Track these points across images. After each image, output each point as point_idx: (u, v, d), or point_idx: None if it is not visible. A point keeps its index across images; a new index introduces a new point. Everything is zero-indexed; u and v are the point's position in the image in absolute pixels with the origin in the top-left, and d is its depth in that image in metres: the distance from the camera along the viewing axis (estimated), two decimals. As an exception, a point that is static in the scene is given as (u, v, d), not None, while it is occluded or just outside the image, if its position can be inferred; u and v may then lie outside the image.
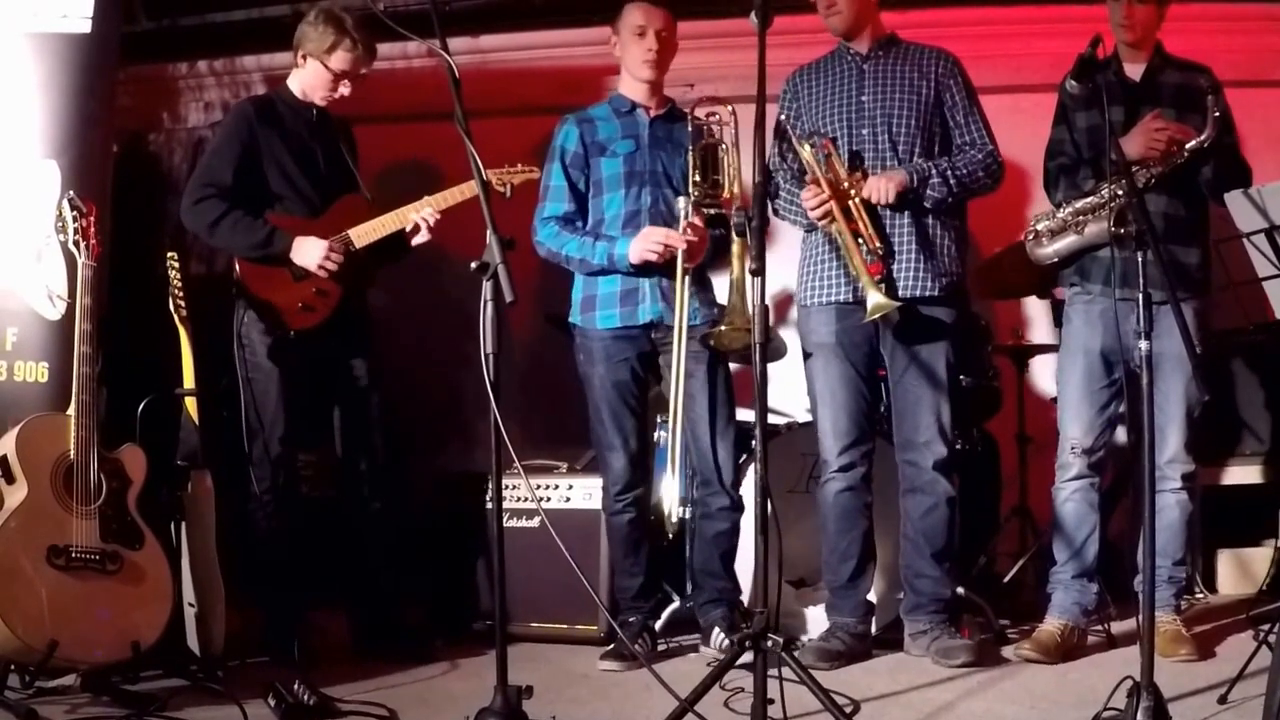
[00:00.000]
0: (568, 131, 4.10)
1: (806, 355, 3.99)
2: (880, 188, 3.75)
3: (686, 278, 3.85)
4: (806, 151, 3.82)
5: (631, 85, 4.10)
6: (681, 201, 3.88)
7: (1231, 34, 5.06)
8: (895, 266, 3.82)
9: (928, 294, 3.84)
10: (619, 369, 4.01)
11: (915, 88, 3.89)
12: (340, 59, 4.04)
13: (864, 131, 3.88)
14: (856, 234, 3.75)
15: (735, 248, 3.76)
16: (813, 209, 3.79)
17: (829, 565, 3.96)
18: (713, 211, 3.88)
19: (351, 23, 4.04)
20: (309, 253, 3.96)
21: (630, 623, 4.02)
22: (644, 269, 3.92)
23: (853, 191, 3.77)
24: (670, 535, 3.99)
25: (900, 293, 3.80)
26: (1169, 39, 3.91)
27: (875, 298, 3.68)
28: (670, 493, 3.92)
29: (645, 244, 3.87)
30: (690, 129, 3.94)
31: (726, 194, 3.91)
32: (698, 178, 3.90)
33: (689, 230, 3.83)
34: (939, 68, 3.92)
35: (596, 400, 4.03)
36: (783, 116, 4.02)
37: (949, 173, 3.82)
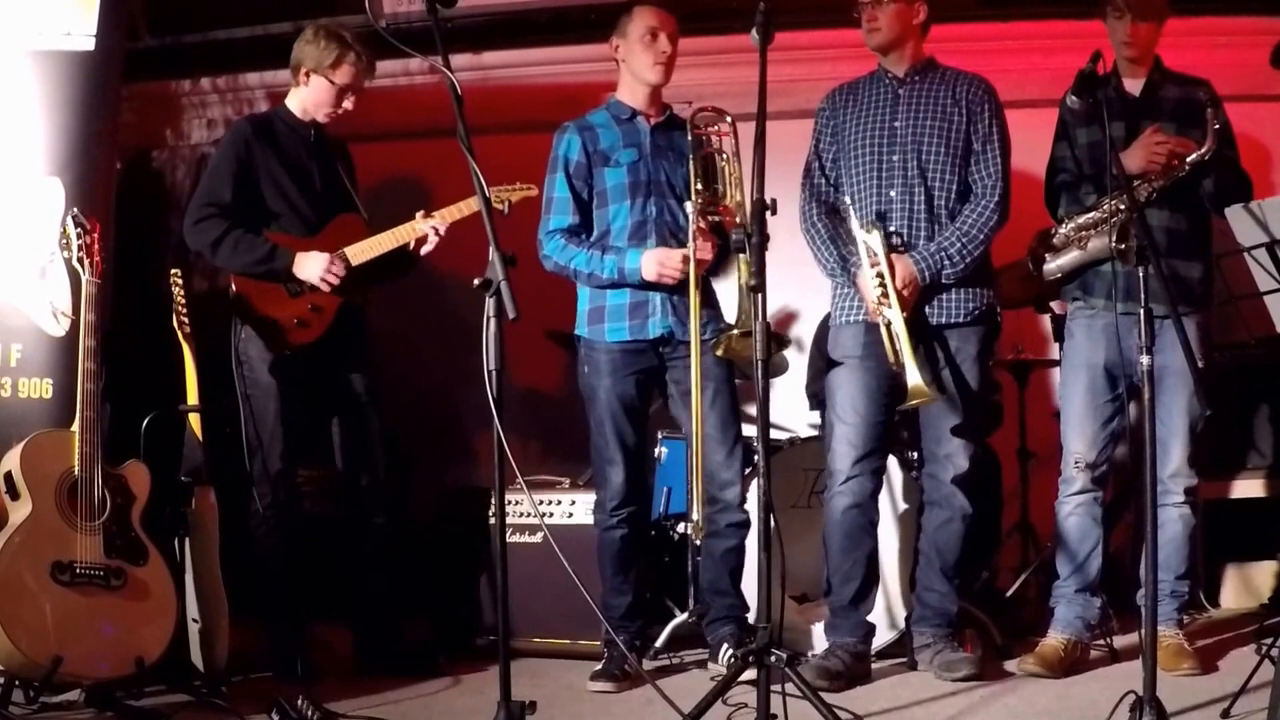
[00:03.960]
0: (569, 140, 4.03)
1: (830, 367, 3.96)
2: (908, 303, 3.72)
3: (698, 289, 3.78)
4: (875, 241, 3.74)
5: (632, 91, 4.04)
6: (689, 207, 3.81)
7: (1230, 48, 5.07)
8: (926, 295, 3.79)
9: (953, 321, 3.84)
10: (625, 383, 3.96)
11: (948, 114, 3.85)
12: (345, 73, 4.05)
13: (894, 157, 3.85)
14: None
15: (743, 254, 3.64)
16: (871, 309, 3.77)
17: (831, 585, 3.92)
18: (715, 219, 3.84)
19: (351, 35, 4.07)
20: (310, 267, 3.97)
21: (616, 642, 3.91)
22: (654, 283, 3.89)
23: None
24: (699, 544, 3.89)
25: (932, 319, 3.80)
26: (1167, 54, 3.92)
27: (915, 380, 3.62)
28: (693, 508, 3.80)
29: (663, 270, 3.83)
30: (690, 138, 3.89)
31: (728, 202, 3.85)
32: (699, 185, 3.84)
33: (699, 235, 3.78)
34: (970, 94, 3.87)
35: (600, 413, 3.98)
36: (819, 144, 3.99)
37: (956, 254, 3.77)
